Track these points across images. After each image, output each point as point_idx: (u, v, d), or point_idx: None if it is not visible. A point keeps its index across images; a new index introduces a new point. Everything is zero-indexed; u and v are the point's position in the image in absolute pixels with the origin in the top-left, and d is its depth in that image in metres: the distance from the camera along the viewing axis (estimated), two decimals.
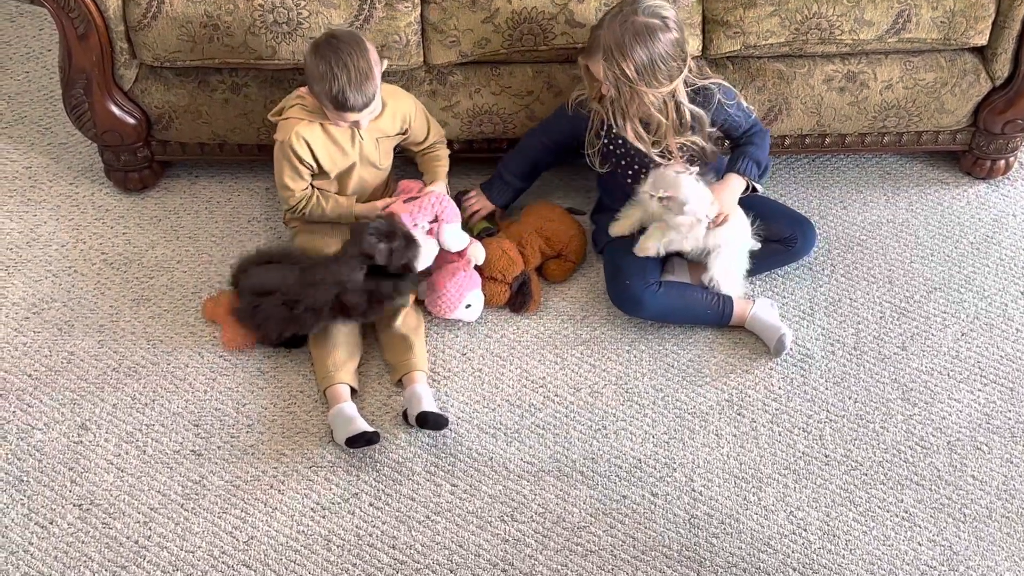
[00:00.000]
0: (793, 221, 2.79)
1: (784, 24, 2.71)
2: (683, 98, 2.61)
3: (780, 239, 2.77)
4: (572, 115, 2.75)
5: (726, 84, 2.69)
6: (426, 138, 2.83)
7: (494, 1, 2.69)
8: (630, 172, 2.75)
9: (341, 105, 2.52)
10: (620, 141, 2.71)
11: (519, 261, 2.78)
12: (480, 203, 2.89)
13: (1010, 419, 2.57)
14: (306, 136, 2.63)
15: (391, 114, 2.71)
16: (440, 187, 2.80)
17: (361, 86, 2.51)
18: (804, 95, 2.84)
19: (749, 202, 2.76)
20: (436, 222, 2.70)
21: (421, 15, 2.73)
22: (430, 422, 2.52)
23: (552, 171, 3.01)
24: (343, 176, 2.75)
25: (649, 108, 2.59)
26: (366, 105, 2.55)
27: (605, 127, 2.70)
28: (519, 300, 2.79)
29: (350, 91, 2.50)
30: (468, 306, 2.75)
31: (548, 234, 2.85)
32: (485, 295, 2.77)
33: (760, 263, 2.78)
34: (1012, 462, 2.49)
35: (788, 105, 2.86)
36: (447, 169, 2.86)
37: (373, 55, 2.55)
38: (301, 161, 2.66)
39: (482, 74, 2.84)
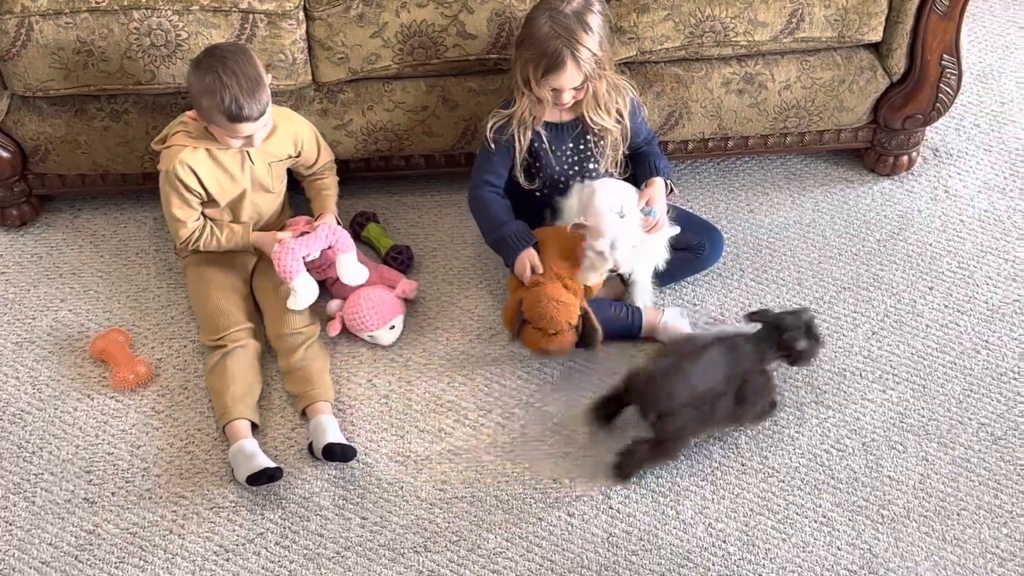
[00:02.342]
0: (701, 228, 2.87)
1: (678, 28, 2.78)
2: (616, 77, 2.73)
3: (688, 247, 2.85)
4: (501, 148, 2.75)
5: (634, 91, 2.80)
6: (316, 161, 2.85)
7: (382, 15, 2.72)
8: (547, 185, 2.80)
9: (236, 116, 2.51)
10: (540, 155, 2.76)
11: (573, 301, 2.66)
12: (525, 267, 2.72)
13: (923, 417, 2.66)
14: (191, 163, 2.64)
15: (282, 136, 2.73)
16: (330, 219, 2.81)
17: (254, 93, 2.52)
18: (703, 99, 2.92)
19: None
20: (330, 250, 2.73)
21: (307, 32, 2.75)
22: (337, 454, 2.53)
23: (434, 200, 3.12)
24: (235, 203, 2.75)
25: (610, 86, 2.67)
26: (262, 114, 2.55)
27: (527, 143, 2.74)
28: (590, 336, 2.67)
29: (244, 99, 2.50)
30: (392, 327, 2.79)
31: (568, 255, 2.71)
32: (554, 350, 2.68)
33: (669, 273, 2.85)
34: (927, 460, 2.58)
35: (688, 109, 2.94)
36: (336, 198, 2.87)
37: (260, 63, 2.57)
38: (188, 190, 2.66)
39: (374, 90, 2.87)
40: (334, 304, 2.83)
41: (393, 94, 2.87)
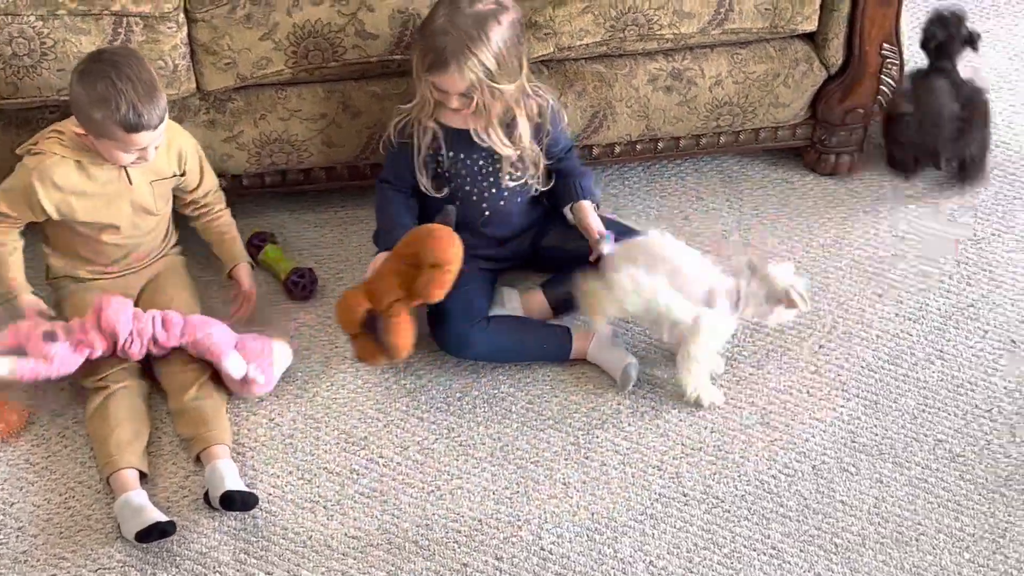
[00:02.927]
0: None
1: (598, 21, 2.71)
2: (530, 91, 2.64)
3: None
4: (403, 148, 2.67)
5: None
6: (200, 184, 2.72)
7: (272, 15, 2.62)
8: (458, 197, 2.70)
9: (135, 126, 2.40)
10: (446, 162, 2.66)
11: (352, 320, 2.57)
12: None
13: (876, 435, 2.60)
14: (56, 178, 2.50)
15: (165, 151, 2.60)
16: (246, 275, 2.74)
17: (152, 98, 2.41)
18: (629, 97, 2.86)
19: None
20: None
21: (188, 35, 2.64)
22: (237, 502, 2.41)
23: (339, 216, 3.04)
24: (111, 224, 2.61)
25: (512, 106, 2.59)
26: (161, 120, 2.45)
27: (436, 145, 2.64)
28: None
29: (142, 106, 2.39)
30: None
31: (409, 251, 2.60)
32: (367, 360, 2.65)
33: None
34: (882, 482, 2.52)
35: (613, 110, 2.87)
36: (240, 241, 2.78)
37: (151, 66, 2.47)
38: (30, 204, 2.53)
39: (266, 98, 2.77)
40: (235, 367, 2.58)
41: (288, 101, 2.77)
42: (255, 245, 2.90)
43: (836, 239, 2.98)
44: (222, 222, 2.79)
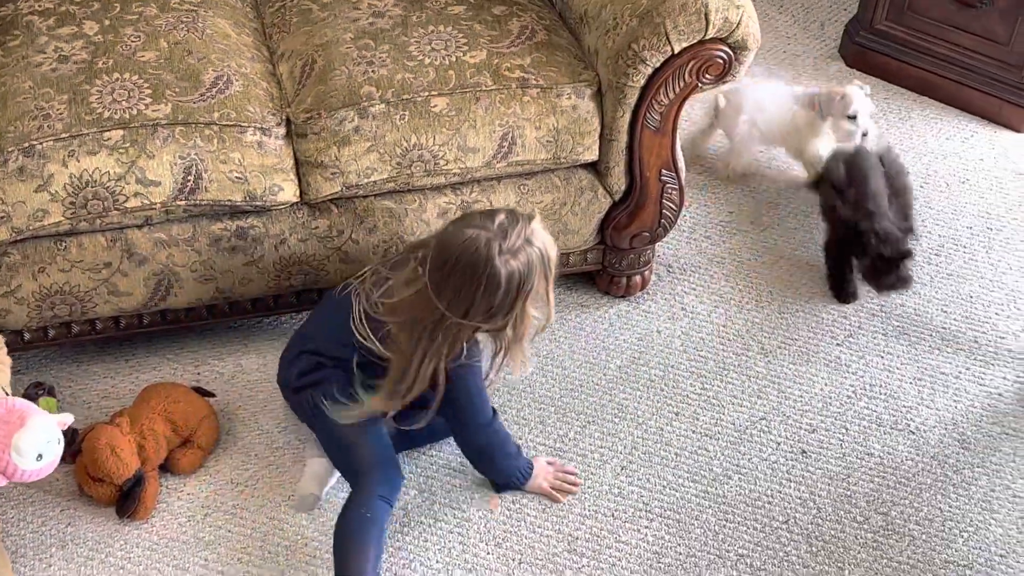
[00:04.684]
0: None
1: (384, 159, 2.77)
2: None
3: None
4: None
5: None
6: None
7: (47, 166, 2.59)
8: None
9: None
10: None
11: (132, 461, 2.64)
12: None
13: (681, 553, 2.67)
14: None
15: None
16: None
17: None
18: (419, 231, 2.91)
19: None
20: None
21: None
22: None
23: (130, 365, 3.00)
24: None
25: None
26: None
27: None
28: (126, 505, 2.64)
29: None
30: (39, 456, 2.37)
31: (176, 417, 2.73)
32: (92, 496, 2.67)
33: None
34: None
35: (403, 243, 2.91)
36: (8, 376, 2.60)
37: None
38: None
39: (45, 250, 2.71)
40: None
41: (68, 252, 2.72)
42: (30, 396, 2.82)
43: (632, 360, 3.07)
44: None
